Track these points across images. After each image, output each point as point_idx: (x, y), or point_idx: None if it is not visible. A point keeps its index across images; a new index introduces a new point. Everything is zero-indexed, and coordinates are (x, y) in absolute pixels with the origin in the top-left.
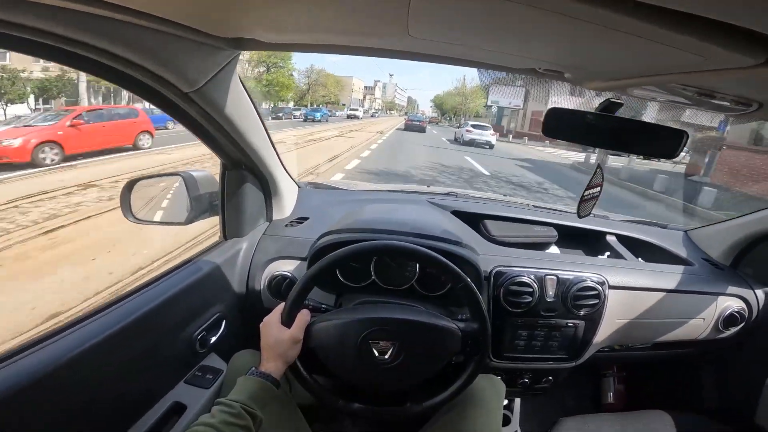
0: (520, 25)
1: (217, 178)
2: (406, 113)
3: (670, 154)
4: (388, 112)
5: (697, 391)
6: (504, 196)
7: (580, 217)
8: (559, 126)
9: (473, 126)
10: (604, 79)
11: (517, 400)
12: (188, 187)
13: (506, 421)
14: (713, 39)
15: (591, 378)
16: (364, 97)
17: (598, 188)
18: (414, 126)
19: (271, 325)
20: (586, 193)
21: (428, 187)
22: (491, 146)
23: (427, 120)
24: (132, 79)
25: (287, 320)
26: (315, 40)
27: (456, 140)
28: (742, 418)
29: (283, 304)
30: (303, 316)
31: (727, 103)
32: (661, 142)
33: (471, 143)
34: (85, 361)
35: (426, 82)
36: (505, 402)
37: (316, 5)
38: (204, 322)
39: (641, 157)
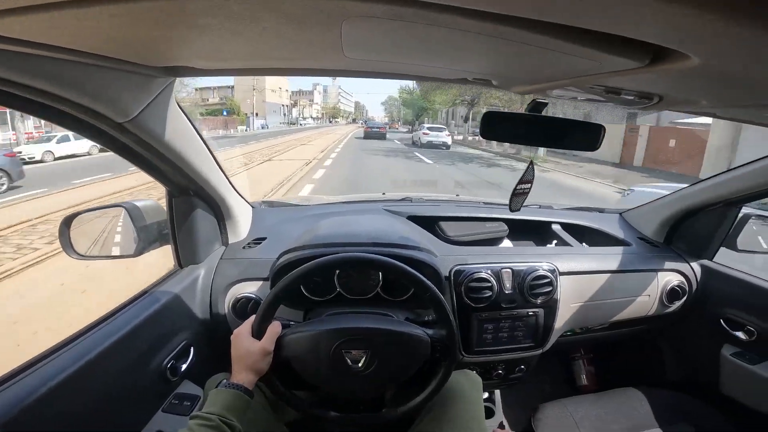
0: (446, 44)
1: (164, 205)
2: (354, 120)
3: (592, 146)
4: (331, 120)
5: (660, 365)
6: (457, 195)
7: (512, 210)
8: (496, 128)
9: (429, 129)
10: (526, 83)
11: (497, 392)
12: (133, 218)
13: (490, 413)
14: (604, 48)
15: (563, 363)
16: (295, 104)
17: (529, 184)
18: (374, 134)
19: (241, 336)
20: (518, 187)
21: (384, 194)
22: (447, 147)
23: (386, 126)
24: (61, 113)
25: (258, 332)
26: (252, 65)
27: (414, 143)
28: (707, 389)
29: (253, 316)
30: (274, 328)
31: (633, 98)
32: (583, 136)
33: (428, 145)
34: (48, 402)
35: (376, 84)
36: (486, 395)
37: (249, 37)
38: (171, 351)
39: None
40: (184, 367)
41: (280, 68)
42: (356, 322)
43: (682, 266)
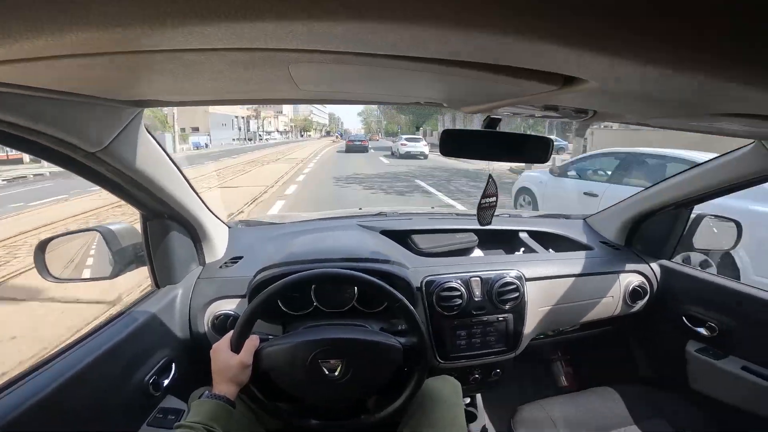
0: (390, 79)
1: (139, 228)
2: (328, 133)
3: (543, 158)
4: (302, 134)
5: (632, 363)
6: (432, 208)
7: (481, 225)
8: (454, 145)
9: (407, 139)
10: (472, 104)
11: (479, 396)
12: (107, 241)
13: (472, 417)
14: (522, 76)
15: (543, 365)
16: (257, 115)
17: (494, 198)
18: (356, 147)
19: (220, 351)
20: (483, 201)
21: (360, 209)
22: (425, 156)
23: (368, 139)
24: (31, 143)
25: (236, 346)
26: (215, 97)
27: (393, 154)
28: (676, 384)
29: (232, 331)
30: (252, 341)
31: (571, 112)
32: (534, 149)
33: (407, 155)
34: (27, 420)
35: None
36: (468, 400)
37: (212, 79)
38: (152, 367)
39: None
40: (166, 382)
41: (240, 99)
42: (331, 333)
43: (642, 267)
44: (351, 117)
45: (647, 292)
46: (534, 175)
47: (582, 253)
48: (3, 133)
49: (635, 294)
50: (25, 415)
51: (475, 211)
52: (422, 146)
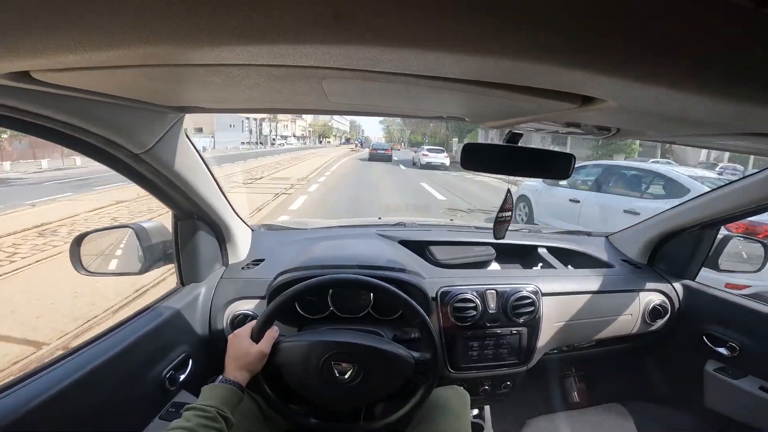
0: (416, 95)
1: (169, 227)
2: (347, 140)
3: (565, 174)
4: (321, 140)
5: (648, 381)
6: (451, 220)
7: (496, 239)
8: (475, 159)
9: (428, 150)
10: (494, 120)
11: (487, 407)
12: (139, 238)
13: (479, 429)
14: (540, 95)
15: (555, 379)
16: (273, 117)
17: (509, 212)
18: (380, 155)
19: (240, 337)
20: (499, 215)
21: (379, 218)
22: (446, 167)
23: (391, 148)
24: (85, 144)
25: (257, 336)
26: (250, 105)
27: (414, 164)
28: (692, 403)
29: (254, 321)
30: (272, 332)
31: (594, 129)
32: (556, 165)
33: (428, 166)
34: (47, 410)
35: None
36: (476, 411)
37: (245, 89)
38: (171, 362)
39: None
40: (182, 377)
41: (275, 108)
42: (348, 337)
43: (664, 286)
44: (372, 124)
45: (668, 312)
46: (531, 184)
47: (602, 271)
48: (61, 133)
49: (655, 313)
50: (49, 402)
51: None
52: (443, 158)
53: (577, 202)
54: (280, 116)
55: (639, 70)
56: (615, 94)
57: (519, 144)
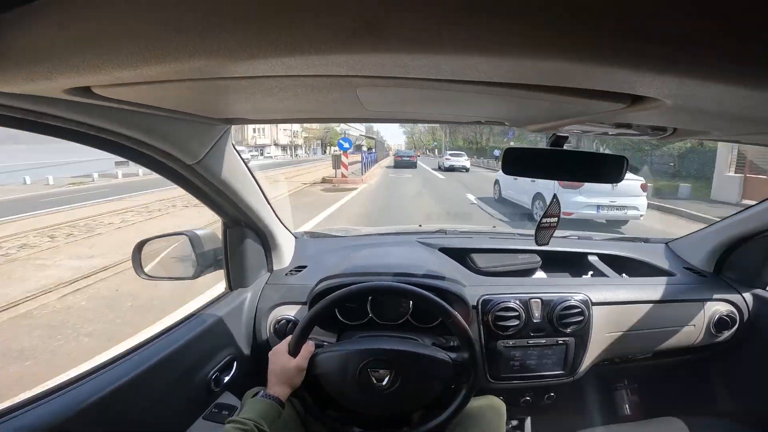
0: (453, 100)
1: (220, 235)
2: (358, 147)
3: (616, 178)
4: (325, 150)
5: (710, 395)
6: (493, 227)
7: (538, 245)
8: (517, 164)
9: (451, 155)
10: (535, 123)
11: (528, 419)
12: (193, 245)
13: None
14: (589, 96)
15: (604, 392)
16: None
17: (556, 218)
18: (404, 162)
19: (279, 354)
20: (543, 221)
21: (420, 226)
22: (467, 170)
23: (416, 155)
24: (145, 156)
25: (294, 350)
26: (289, 116)
27: (439, 168)
28: (757, 418)
29: (290, 336)
30: (308, 347)
31: (648, 130)
32: (607, 168)
33: (451, 168)
34: (103, 407)
35: None
36: (516, 423)
37: (289, 101)
38: (217, 364)
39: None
40: (226, 379)
41: (313, 117)
42: (382, 344)
43: (733, 296)
44: (393, 130)
45: (736, 322)
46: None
47: (662, 279)
48: (123, 146)
49: (722, 323)
50: (102, 401)
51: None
52: (464, 161)
53: (533, 181)
54: None
55: (695, 66)
56: (668, 92)
57: (565, 147)
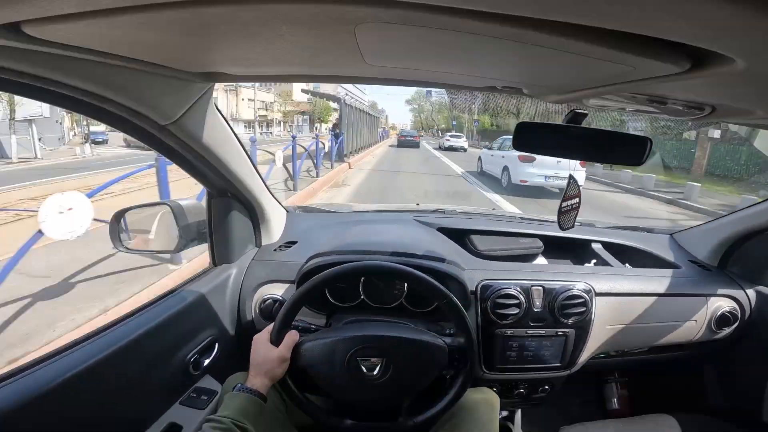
0: (468, 51)
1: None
2: (334, 126)
3: (637, 160)
4: (314, 127)
5: (701, 392)
6: (492, 209)
7: (562, 229)
8: (530, 140)
9: (451, 136)
10: (559, 92)
11: (518, 412)
12: (176, 216)
13: None
14: (638, 51)
15: (594, 385)
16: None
17: (576, 199)
18: (408, 142)
19: (260, 343)
20: (564, 204)
21: (417, 204)
22: (465, 150)
23: (419, 135)
24: (110, 114)
25: (276, 339)
26: (279, 72)
27: (439, 147)
28: (747, 417)
29: (273, 323)
30: (291, 336)
31: (680, 108)
32: (628, 149)
33: (450, 148)
34: (75, 386)
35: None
36: (506, 413)
37: (274, 45)
38: (196, 345)
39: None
40: (207, 362)
41: (307, 75)
42: (372, 330)
43: (736, 292)
44: (398, 111)
45: (737, 319)
46: (484, 150)
47: (667, 272)
48: (81, 102)
49: (723, 320)
50: (69, 382)
51: (541, 216)
52: (462, 141)
53: (502, 157)
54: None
55: None
56: (755, 48)
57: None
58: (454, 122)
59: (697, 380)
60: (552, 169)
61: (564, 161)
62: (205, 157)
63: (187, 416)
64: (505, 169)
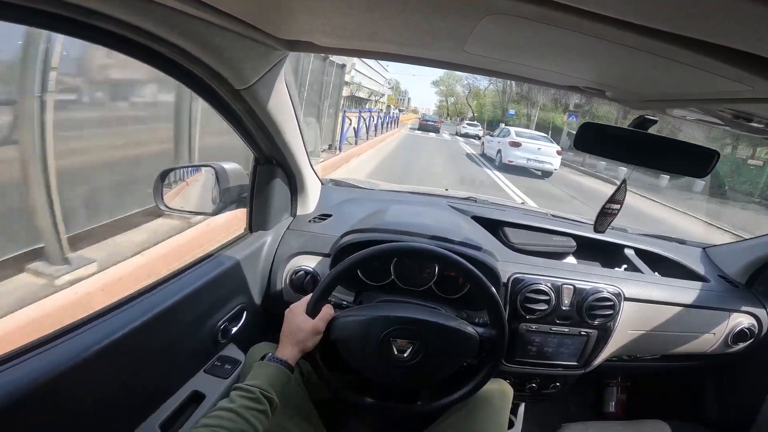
0: (574, 50)
1: (246, 171)
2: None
3: (701, 172)
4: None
5: (698, 402)
6: (522, 203)
7: (596, 231)
8: (591, 141)
9: (468, 124)
10: (645, 99)
11: (522, 405)
12: (219, 178)
13: (510, 425)
14: (761, 72)
15: (594, 386)
16: None
17: (619, 205)
18: (429, 126)
19: (296, 312)
20: (606, 207)
21: (446, 190)
22: (479, 138)
23: (440, 120)
24: (191, 75)
25: (312, 311)
26: (367, 47)
27: (456, 133)
28: (737, 429)
29: (310, 294)
30: (328, 309)
31: (763, 126)
32: (693, 160)
33: (466, 135)
34: (109, 353)
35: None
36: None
37: (381, 16)
38: (226, 313)
39: None
40: (234, 330)
41: (395, 54)
42: (409, 312)
43: (758, 310)
44: (422, 94)
45: (753, 336)
46: (488, 137)
47: (696, 284)
48: (171, 61)
49: (740, 336)
50: (107, 348)
51: (571, 216)
52: (477, 130)
53: (498, 142)
54: None
55: None
56: None
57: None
58: (512, 112)
59: (695, 390)
60: (533, 154)
61: (544, 148)
62: (264, 124)
63: (211, 384)
64: (499, 151)
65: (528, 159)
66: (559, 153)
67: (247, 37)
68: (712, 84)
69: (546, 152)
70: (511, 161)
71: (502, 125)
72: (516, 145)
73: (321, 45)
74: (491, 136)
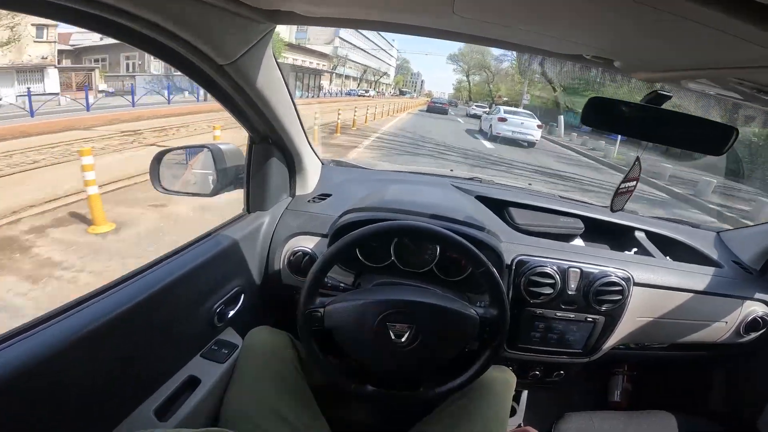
0: (570, 7)
1: (244, 151)
2: (401, 92)
3: (718, 150)
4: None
5: (704, 393)
6: (529, 185)
7: (613, 211)
8: (600, 116)
9: (476, 106)
10: (658, 69)
11: (525, 393)
12: (215, 159)
13: (512, 412)
14: None
15: (600, 375)
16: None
17: (635, 182)
18: (437, 108)
19: None
20: (622, 186)
21: (451, 170)
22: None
23: (449, 103)
24: (169, 51)
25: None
26: (353, 15)
27: (466, 114)
28: (744, 423)
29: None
30: None
31: None
32: (708, 137)
33: (474, 115)
34: (102, 335)
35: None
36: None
37: None
38: (223, 296)
39: None
40: (231, 313)
41: (382, 21)
42: (405, 295)
43: None
44: (437, 77)
45: (766, 326)
46: (485, 115)
47: (709, 269)
48: (149, 39)
49: (753, 325)
50: (102, 327)
51: (579, 197)
52: (483, 111)
53: (491, 118)
54: None
55: None
56: None
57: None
58: (526, 97)
59: (703, 382)
60: (517, 128)
61: (526, 122)
62: (254, 101)
63: (207, 369)
64: (490, 126)
65: (513, 131)
66: (539, 127)
67: (225, 10)
68: (735, 49)
69: (528, 126)
70: (499, 133)
71: (497, 106)
72: (503, 120)
73: (304, 15)
74: (487, 114)
